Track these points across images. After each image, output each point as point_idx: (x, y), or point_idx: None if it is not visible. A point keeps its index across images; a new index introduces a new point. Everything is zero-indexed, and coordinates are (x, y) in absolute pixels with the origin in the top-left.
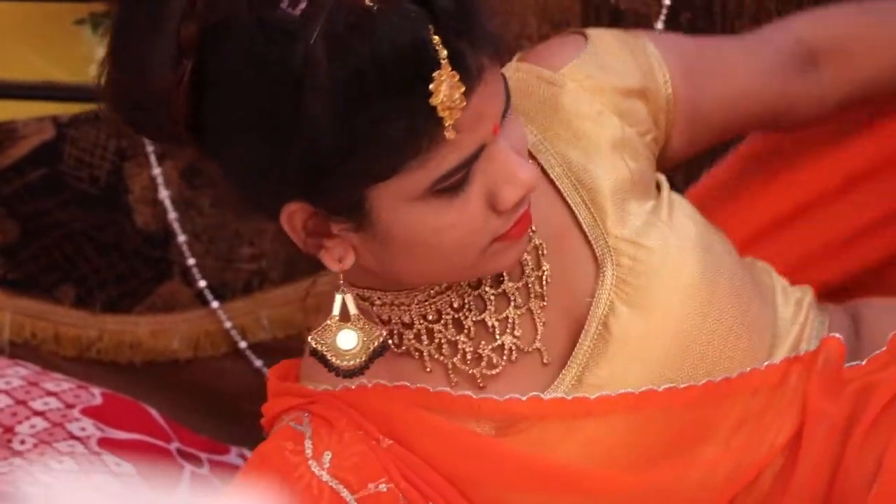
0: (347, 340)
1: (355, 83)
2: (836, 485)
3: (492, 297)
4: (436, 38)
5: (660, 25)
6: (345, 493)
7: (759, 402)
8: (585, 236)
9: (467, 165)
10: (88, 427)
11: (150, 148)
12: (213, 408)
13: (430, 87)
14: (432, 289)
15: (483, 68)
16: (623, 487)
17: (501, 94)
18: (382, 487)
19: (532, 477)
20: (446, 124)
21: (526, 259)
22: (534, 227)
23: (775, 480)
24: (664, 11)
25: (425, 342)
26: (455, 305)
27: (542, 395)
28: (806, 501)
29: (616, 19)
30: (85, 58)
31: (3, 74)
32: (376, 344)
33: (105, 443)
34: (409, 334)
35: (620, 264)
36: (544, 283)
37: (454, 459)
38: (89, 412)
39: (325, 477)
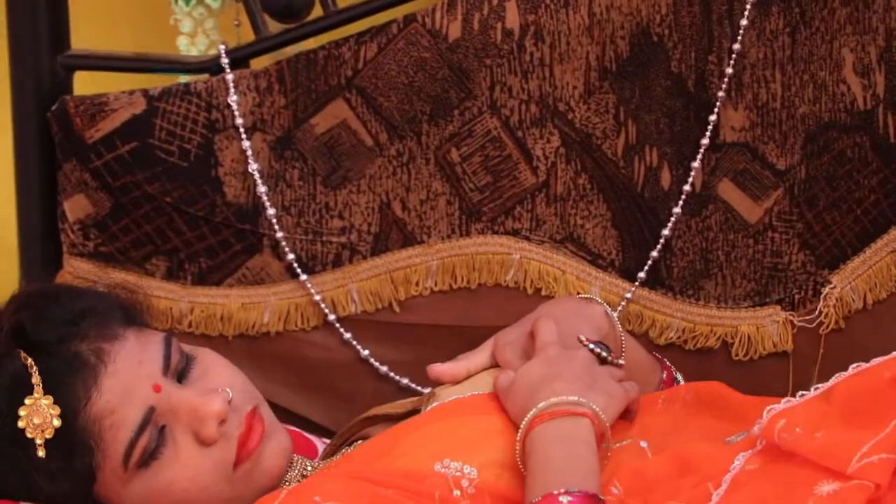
0: None
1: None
2: None
3: None
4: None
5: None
6: None
7: None
8: None
9: (141, 432)
10: None
11: (239, 121)
12: (305, 381)
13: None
14: None
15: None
16: None
17: (149, 359)
18: None
19: None
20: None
21: None
22: None
23: None
24: None
25: None
26: None
27: None
28: None
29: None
30: (174, 30)
31: (93, 46)
32: None
33: None
34: None
35: None
36: None
37: None
38: None
39: None
